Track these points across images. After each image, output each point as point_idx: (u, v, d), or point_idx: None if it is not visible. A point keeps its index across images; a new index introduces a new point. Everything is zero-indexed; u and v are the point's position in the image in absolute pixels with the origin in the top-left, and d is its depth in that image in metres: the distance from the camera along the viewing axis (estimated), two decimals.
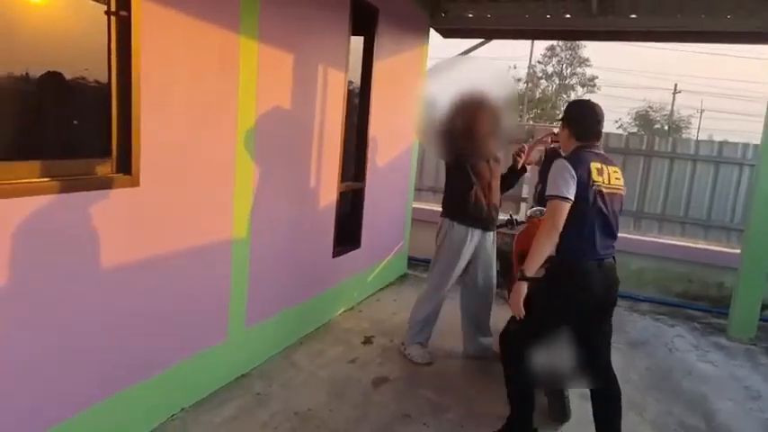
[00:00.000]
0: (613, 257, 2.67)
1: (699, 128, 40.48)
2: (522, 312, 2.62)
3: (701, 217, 6.11)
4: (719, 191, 6.02)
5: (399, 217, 5.81)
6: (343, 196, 4.59)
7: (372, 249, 5.16)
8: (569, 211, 2.50)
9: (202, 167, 2.91)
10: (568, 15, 5.53)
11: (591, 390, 2.80)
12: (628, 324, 5.29)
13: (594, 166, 2.58)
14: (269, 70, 3.35)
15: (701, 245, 6.13)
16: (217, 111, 2.97)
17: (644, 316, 5.60)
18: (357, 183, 4.81)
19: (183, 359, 2.97)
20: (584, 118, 2.72)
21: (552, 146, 4.91)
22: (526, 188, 6.69)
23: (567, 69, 43.45)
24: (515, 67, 46.52)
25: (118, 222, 2.45)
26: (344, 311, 4.84)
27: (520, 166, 4.06)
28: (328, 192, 4.29)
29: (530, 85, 41.39)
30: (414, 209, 6.29)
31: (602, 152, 2.71)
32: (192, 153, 2.83)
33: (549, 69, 43.17)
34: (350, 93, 4.56)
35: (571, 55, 42.80)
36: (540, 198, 5.27)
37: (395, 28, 5.01)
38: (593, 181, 2.53)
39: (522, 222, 4.23)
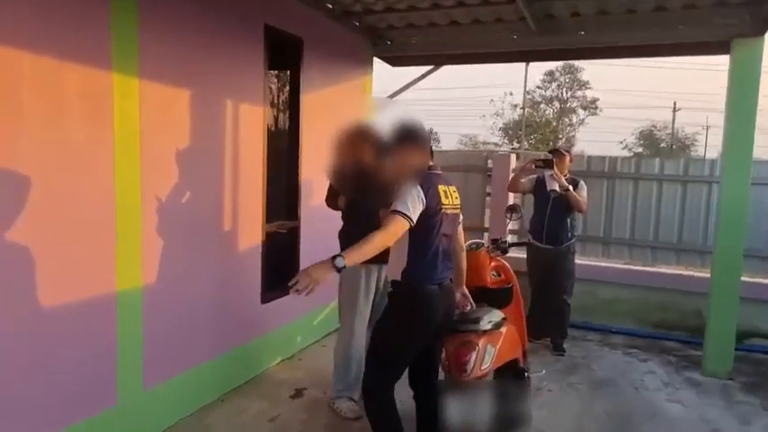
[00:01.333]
0: (450, 279, 2.77)
1: (706, 145, 39.93)
2: (312, 284, 2.33)
3: (671, 240, 5.74)
4: (689, 211, 5.66)
5: None
6: (273, 237, 4.31)
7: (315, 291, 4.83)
8: (416, 234, 2.52)
9: (66, 220, 2.65)
10: (515, 36, 5.31)
11: (416, 402, 2.86)
12: (595, 361, 4.89)
13: (441, 188, 2.62)
14: (158, 108, 3.12)
15: (674, 270, 5.75)
16: (84, 156, 2.72)
17: (615, 350, 5.19)
18: (290, 222, 4.53)
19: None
20: (414, 131, 2.62)
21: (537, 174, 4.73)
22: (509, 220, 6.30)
23: (566, 93, 43.55)
24: (511, 94, 46.91)
25: None
26: (283, 360, 4.50)
27: None
28: (250, 233, 4.01)
29: (527, 110, 41.42)
30: None
31: (440, 172, 2.74)
32: (50, 205, 2.57)
33: (549, 94, 43.30)
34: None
35: (570, 78, 42.91)
36: (533, 228, 4.97)
37: (327, 59, 4.80)
38: (442, 205, 2.58)
39: None
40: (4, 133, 2.36)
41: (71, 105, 2.63)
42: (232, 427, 3.41)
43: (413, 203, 2.46)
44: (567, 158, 4.93)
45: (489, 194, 6.29)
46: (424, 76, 6.28)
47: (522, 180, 4.99)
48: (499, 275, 3.90)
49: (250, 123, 3.92)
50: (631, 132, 40.40)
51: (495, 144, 41.49)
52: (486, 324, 2.96)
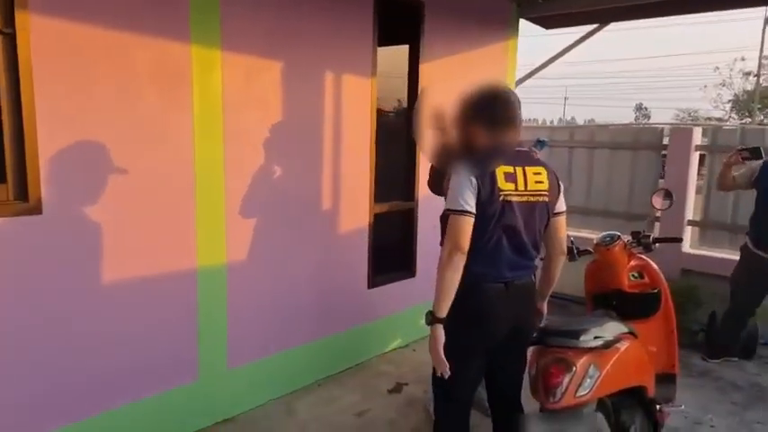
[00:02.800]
0: (532, 275, 2.27)
1: None
2: (446, 364, 2.08)
3: None
4: None
5: None
6: (386, 218, 4.04)
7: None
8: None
9: (141, 192, 2.68)
10: None
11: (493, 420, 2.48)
12: None
13: (503, 169, 2.10)
14: (244, 81, 3.03)
15: None
16: (161, 130, 2.72)
17: None
18: (406, 203, 4.20)
19: (128, 402, 2.75)
20: (485, 101, 2.15)
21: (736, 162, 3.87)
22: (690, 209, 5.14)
23: None
24: (743, 59, 39.67)
25: (12, 254, 2.32)
26: (394, 350, 4.24)
27: None
28: (356, 214, 3.80)
29: (762, 78, 34.76)
30: None
31: (517, 148, 2.19)
32: (125, 176, 2.61)
33: None
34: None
35: None
36: (755, 231, 4.01)
37: (455, 24, 4.31)
38: (500, 189, 2.07)
39: (587, 251, 3.19)
40: (77, 109, 2.44)
41: (145, 79, 2.64)
42: (316, 417, 3.26)
43: (460, 193, 2.05)
44: None
45: (663, 177, 5.20)
46: (586, 38, 5.40)
47: (735, 174, 3.94)
48: (641, 278, 3.10)
49: (356, 97, 3.67)
50: None
51: (719, 119, 35.66)
52: (590, 339, 2.32)
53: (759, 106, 33.09)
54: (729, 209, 4.81)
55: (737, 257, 4.72)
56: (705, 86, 44.68)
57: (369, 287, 3.95)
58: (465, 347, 2.21)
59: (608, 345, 2.36)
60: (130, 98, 2.60)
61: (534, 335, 2.38)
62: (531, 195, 2.14)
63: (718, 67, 42.44)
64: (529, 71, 5.70)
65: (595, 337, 2.33)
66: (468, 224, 2.05)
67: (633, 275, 3.09)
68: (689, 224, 4.99)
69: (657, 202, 3.23)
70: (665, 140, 5.12)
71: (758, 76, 32.57)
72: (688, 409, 3.36)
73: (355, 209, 3.79)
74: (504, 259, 2.14)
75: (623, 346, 2.44)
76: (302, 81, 3.34)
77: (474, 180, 2.05)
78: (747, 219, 4.71)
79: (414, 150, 4.16)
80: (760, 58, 31.95)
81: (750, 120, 31.95)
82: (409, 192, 4.20)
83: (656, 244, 3.07)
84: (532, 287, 2.31)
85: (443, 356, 2.07)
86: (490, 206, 2.07)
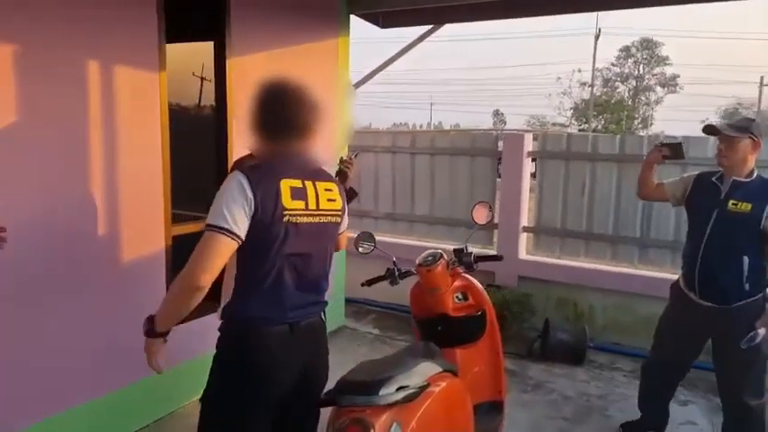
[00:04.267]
0: (322, 314, 1.92)
1: None
2: (159, 368, 1.83)
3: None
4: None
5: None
6: (187, 240, 3.40)
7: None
8: (242, 253, 1.69)
9: None
10: None
11: None
12: (617, 402, 3.67)
13: (288, 183, 1.72)
14: None
15: None
16: None
17: None
18: None
19: None
20: (266, 101, 1.77)
21: None
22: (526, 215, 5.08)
23: (643, 69, 40.65)
24: (579, 71, 43.87)
25: None
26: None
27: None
28: (146, 239, 3.15)
29: (599, 88, 38.94)
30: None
31: (308, 159, 1.82)
32: None
33: (626, 71, 40.47)
34: None
35: (648, 54, 40.06)
36: (685, 264, 2.93)
37: (272, 19, 3.82)
38: (284, 208, 1.69)
39: (409, 272, 2.86)
40: None
41: None
42: None
43: (227, 207, 1.63)
44: (746, 145, 2.66)
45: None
46: (421, 39, 5.19)
47: (665, 182, 3.04)
48: (465, 299, 2.83)
49: (139, 95, 3.02)
50: (715, 111, 36.77)
51: (562, 125, 39.24)
52: (391, 393, 1.91)
53: (594, 113, 36.85)
54: (559, 215, 4.82)
55: (569, 263, 4.80)
56: (549, 95, 48.68)
57: None
58: (243, 407, 1.78)
59: (414, 396, 1.98)
60: None
61: (326, 392, 1.95)
62: (322, 215, 1.81)
63: (559, 77, 46.55)
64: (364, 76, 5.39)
65: (399, 388, 1.93)
66: (224, 247, 1.62)
67: (457, 297, 2.83)
68: (524, 230, 4.95)
69: (480, 216, 2.98)
70: (501, 146, 5.05)
71: (592, 86, 36.29)
72: None
73: (145, 232, 3.13)
74: (287, 296, 1.76)
75: (435, 390, 2.09)
76: (64, 76, 2.65)
77: (250, 194, 1.64)
78: (576, 224, 4.79)
79: (225, 158, 3.60)
80: (593, 70, 35.63)
81: (587, 125, 35.50)
82: None
83: (478, 263, 2.81)
84: (323, 328, 1.95)
85: (157, 362, 1.82)
86: (271, 228, 1.68)
